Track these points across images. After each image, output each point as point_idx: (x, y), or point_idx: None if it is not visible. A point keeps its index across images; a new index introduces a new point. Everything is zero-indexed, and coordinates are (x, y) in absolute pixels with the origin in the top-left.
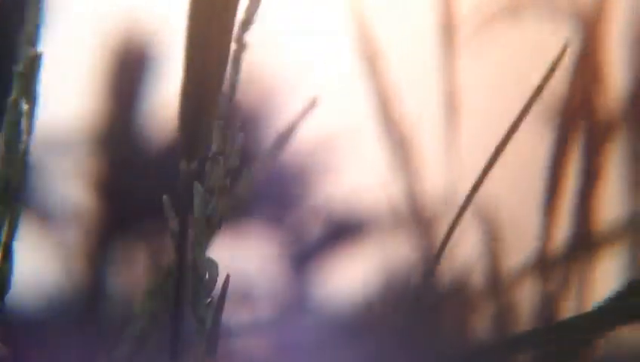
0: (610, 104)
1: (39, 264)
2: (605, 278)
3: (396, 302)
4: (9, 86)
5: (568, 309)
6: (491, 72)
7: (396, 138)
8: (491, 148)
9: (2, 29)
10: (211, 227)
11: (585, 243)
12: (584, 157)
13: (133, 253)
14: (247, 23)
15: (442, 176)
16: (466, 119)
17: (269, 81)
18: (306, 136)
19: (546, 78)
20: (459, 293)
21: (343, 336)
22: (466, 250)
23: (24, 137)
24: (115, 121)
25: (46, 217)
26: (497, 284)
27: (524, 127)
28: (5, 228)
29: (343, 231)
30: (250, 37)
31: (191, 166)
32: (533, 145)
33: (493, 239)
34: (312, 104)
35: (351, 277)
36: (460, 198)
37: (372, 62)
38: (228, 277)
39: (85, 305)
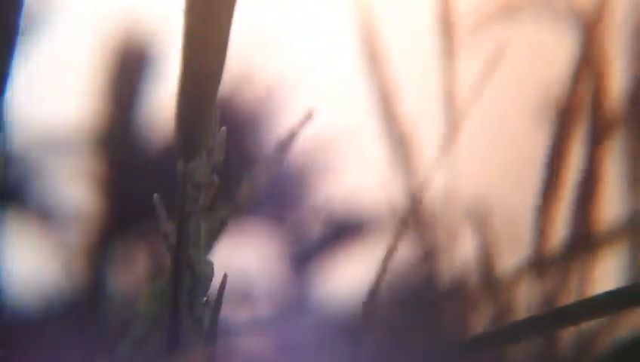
0: (610, 104)
1: (39, 264)
2: (605, 278)
3: (396, 302)
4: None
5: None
6: (491, 73)
7: (396, 138)
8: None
9: None
10: (214, 230)
11: (584, 243)
12: (584, 157)
13: (133, 253)
14: None
15: (442, 176)
16: (465, 119)
17: (269, 81)
18: (306, 136)
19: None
20: (458, 293)
21: (343, 336)
22: (465, 250)
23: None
24: (115, 121)
25: (46, 217)
26: (496, 284)
27: (523, 126)
28: None
29: (343, 231)
30: (250, 37)
31: (188, 166)
32: (533, 144)
33: (491, 239)
34: (309, 115)
35: (351, 277)
36: (460, 198)
37: (372, 62)
38: (225, 276)
39: (85, 305)
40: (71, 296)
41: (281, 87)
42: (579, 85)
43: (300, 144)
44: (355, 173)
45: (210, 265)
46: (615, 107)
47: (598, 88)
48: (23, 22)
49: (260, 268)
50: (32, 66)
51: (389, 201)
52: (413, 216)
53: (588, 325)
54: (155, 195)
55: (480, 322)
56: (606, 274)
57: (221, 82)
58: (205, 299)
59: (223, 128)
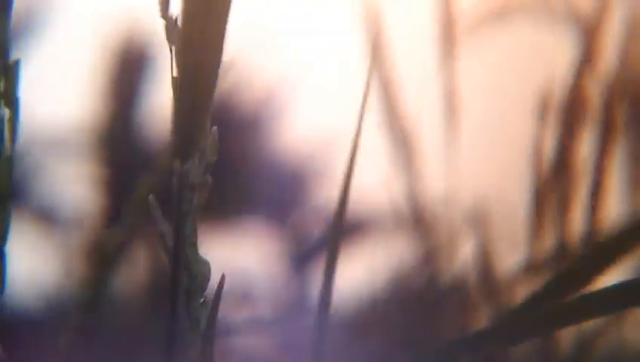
0: (609, 104)
1: (39, 264)
2: (605, 278)
3: (397, 302)
4: None
5: None
6: (491, 73)
7: (397, 138)
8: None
9: None
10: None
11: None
12: (584, 158)
13: (133, 253)
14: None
15: (442, 175)
16: (466, 120)
17: (268, 81)
18: (307, 137)
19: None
20: (458, 293)
21: (343, 336)
22: (465, 250)
23: (8, 142)
24: (115, 121)
25: (46, 217)
26: (495, 284)
27: (523, 126)
28: None
29: (344, 231)
30: (250, 37)
31: (184, 166)
32: (532, 143)
33: (490, 239)
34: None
35: (352, 277)
36: (460, 198)
37: (373, 62)
38: (223, 276)
39: (85, 305)
40: (71, 296)
41: (281, 87)
42: (579, 85)
43: (301, 144)
44: (355, 173)
45: (207, 265)
46: (615, 107)
47: (599, 88)
48: (22, 21)
49: (260, 268)
50: (32, 66)
51: (390, 201)
52: (414, 216)
53: (588, 325)
54: (151, 196)
55: (480, 322)
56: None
57: (218, 81)
58: (203, 299)
59: (214, 128)
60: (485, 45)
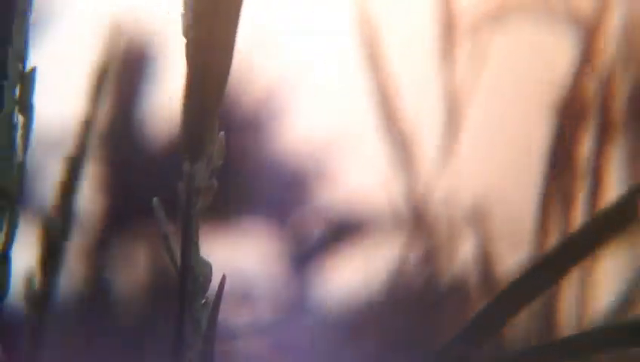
0: (610, 104)
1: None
2: (605, 278)
3: (396, 302)
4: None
5: (568, 309)
6: (490, 72)
7: (395, 139)
8: (491, 148)
9: None
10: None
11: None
12: (585, 157)
13: (133, 253)
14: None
15: (442, 176)
16: (465, 120)
17: (268, 81)
18: (306, 137)
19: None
20: (458, 293)
21: (343, 336)
22: (465, 250)
23: (20, 148)
24: (115, 121)
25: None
26: (496, 284)
27: (523, 126)
28: (2, 237)
29: (344, 231)
30: (250, 37)
31: (193, 168)
32: (533, 144)
33: (491, 239)
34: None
35: (351, 277)
36: (460, 198)
37: (372, 62)
38: (224, 277)
39: (85, 305)
40: (71, 296)
41: (281, 87)
42: (579, 85)
43: (301, 145)
44: (355, 174)
45: (209, 266)
46: (615, 107)
47: (598, 88)
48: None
49: (260, 268)
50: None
51: (390, 202)
52: (414, 216)
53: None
54: (155, 198)
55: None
56: (606, 274)
57: (227, 82)
58: (204, 300)
59: (222, 133)
60: (485, 45)
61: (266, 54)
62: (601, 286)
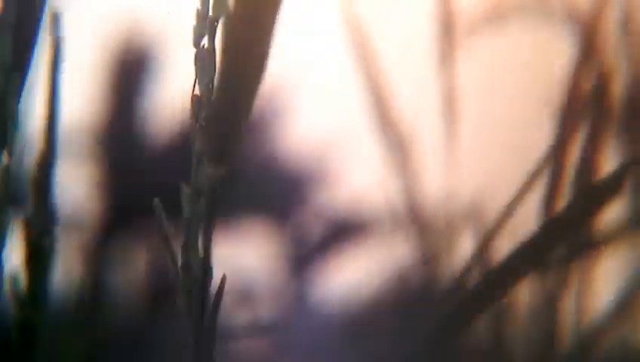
0: (610, 104)
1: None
2: (605, 278)
3: (396, 303)
4: None
5: (568, 309)
6: (490, 73)
7: (395, 139)
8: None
9: None
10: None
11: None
12: (584, 157)
13: (133, 253)
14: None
15: (441, 176)
16: (464, 120)
17: (268, 81)
18: (305, 137)
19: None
20: (458, 293)
21: (343, 336)
22: (465, 250)
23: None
24: (116, 121)
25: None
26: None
27: (523, 126)
28: None
29: (343, 231)
30: None
31: (219, 170)
32: (532, 143)
33: (490, 239)
34: None
35: (351, 277)
36: (460, 198)
37: (369, 63)
38: (224, 277)
39: (85, 305)
40: (71, 296)
41: (280, 87)
42: (579, 85)
43: (300, 145)
44: (354, 174)
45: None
46: (615, 107)
47: (598, 88)
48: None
49: (260, 268)
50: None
51: (389, 202)
52: (413, 216)
53: (588, 325)
54: (156, 199)
55: (480, 322)
56: (606, 274)
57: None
58: (204, 300)
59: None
60: (484, 45)
61: None
62: (601, 286)
